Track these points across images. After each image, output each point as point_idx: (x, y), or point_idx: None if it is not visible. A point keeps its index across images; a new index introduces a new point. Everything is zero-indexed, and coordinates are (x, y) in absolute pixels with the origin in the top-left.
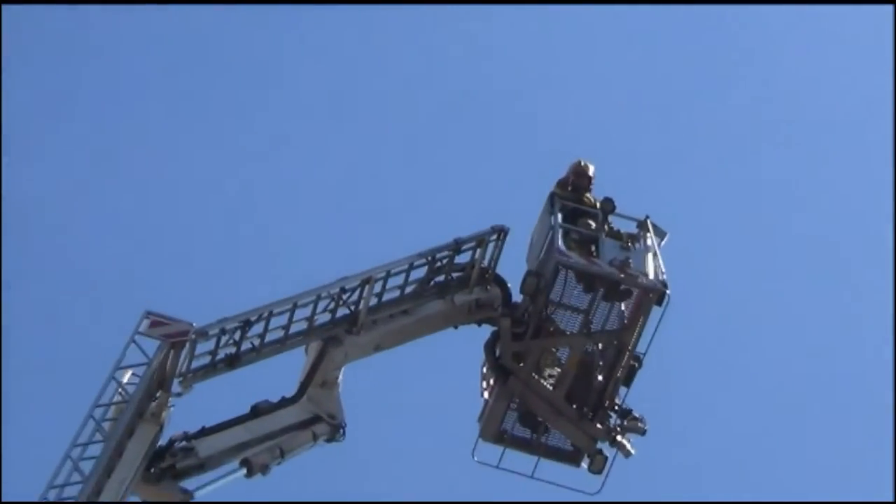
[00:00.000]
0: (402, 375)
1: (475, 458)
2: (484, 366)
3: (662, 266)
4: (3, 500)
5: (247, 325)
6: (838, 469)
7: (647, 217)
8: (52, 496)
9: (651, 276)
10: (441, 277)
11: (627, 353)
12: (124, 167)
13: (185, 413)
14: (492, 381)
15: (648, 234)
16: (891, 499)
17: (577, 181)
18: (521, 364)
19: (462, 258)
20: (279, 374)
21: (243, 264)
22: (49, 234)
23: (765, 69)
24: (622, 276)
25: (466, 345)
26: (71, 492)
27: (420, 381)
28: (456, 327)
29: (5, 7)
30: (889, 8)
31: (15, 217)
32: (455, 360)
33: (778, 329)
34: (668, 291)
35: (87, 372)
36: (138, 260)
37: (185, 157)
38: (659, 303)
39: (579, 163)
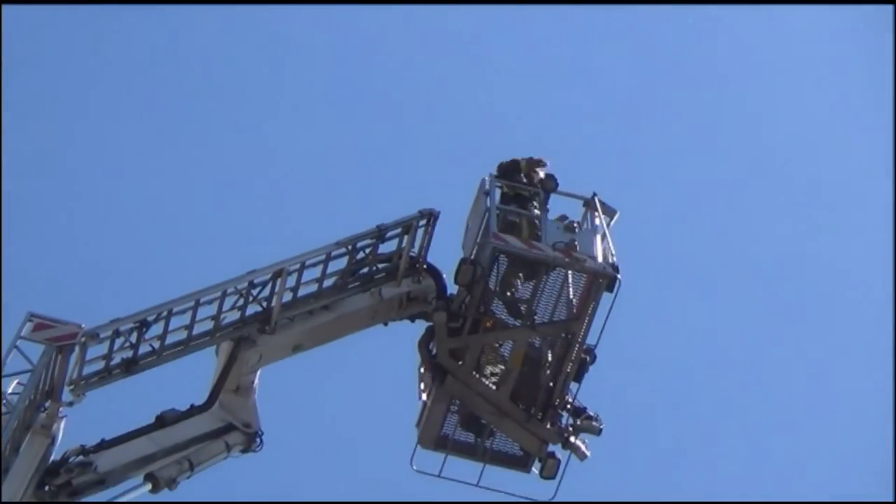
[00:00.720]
0: (326, 378)
1: (414, 468)
2: (420, 366)
3: (612, 248)
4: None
5: (143, 325)
6: (838, 469)
7: (595, 195)
8: None
9: (600, 259)
10: (365, 269)
11: (577, 345)
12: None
13: (82, 424)
14: (429, 382)
15: (596, 214)
16: (891, 499)
17: (528, 169)
18: (460, 362)
19: (388, 247)
20: (188, 380)
21: (140, 261)
22: None
23: (763, 69)
24: (567, 260)
25: (399, 343)
26: None
27: (347, 385)
28: (385, 324)
29: (5, 7)
30: (889, 8)
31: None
32: (387, 361)
33: (743, 315)
34: (619, 276)
35: None
36: (22, 257)
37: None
38: (609, 289)
39: (539, 159)
